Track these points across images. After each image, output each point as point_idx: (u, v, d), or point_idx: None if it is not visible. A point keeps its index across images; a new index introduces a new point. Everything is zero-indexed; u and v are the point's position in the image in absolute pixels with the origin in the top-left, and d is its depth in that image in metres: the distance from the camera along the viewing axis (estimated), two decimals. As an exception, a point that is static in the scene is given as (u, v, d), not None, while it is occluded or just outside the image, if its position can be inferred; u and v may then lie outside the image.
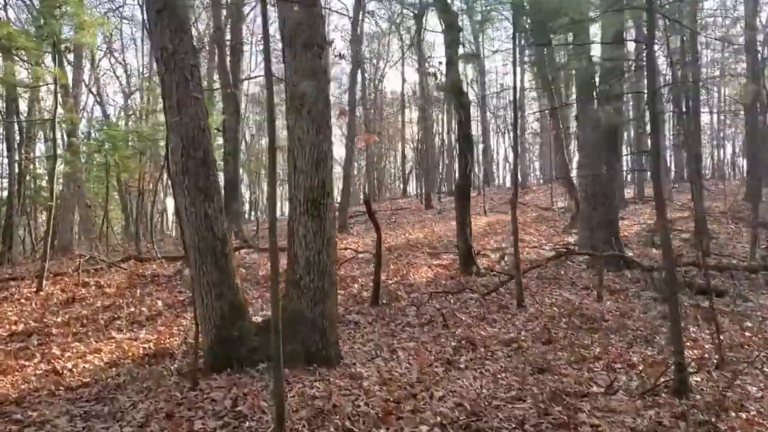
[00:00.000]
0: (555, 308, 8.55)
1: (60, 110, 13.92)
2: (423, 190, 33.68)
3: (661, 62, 24.55)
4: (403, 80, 38.70)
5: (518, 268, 8.49)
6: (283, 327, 6.27)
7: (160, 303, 9.86)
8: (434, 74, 17.14)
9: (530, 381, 5.73)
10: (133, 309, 9.47)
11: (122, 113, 28.81)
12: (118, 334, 8.35)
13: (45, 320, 9.36)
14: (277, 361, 4.33)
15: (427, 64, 32.19)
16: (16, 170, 22.30)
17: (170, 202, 35.18)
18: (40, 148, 29.21)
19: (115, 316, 9.23)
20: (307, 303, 6.29)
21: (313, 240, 6.34)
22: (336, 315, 6.64)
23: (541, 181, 42.49)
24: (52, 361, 7.29)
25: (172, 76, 6.37)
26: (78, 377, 6.55)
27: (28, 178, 26.52)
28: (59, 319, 9.32)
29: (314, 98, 6.43)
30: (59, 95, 12.48)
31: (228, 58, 19.82)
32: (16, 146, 23.34)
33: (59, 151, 18.68)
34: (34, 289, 12.05)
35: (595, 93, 10.98)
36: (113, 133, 14.80)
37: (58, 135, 32.80)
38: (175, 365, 6.67)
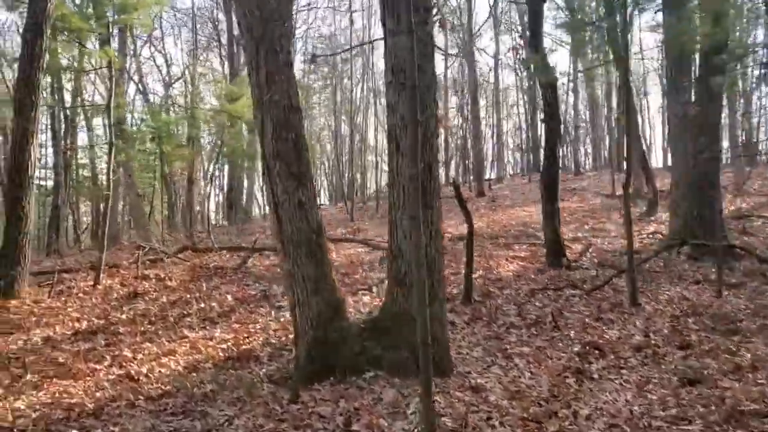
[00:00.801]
0: (673, 306, 7.66)
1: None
2: (472, 177, 32.69)
3: None
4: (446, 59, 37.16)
5: (631, 260, 7.60)
6: (390, 330, 5.54)
7: (229, 297, 9.22)
8: (515, 49, 16.21)
9: (684, 395, 4.90)
10: (202, 305, 8.84)
11: (164, 102, 28.37)
12: (191, 332, 7.71)
13: (109, 317, 8.78)
14: (426, 378, 3.57)
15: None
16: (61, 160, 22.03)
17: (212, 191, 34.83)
18: (81, 138, 29.07)
19: (184, 312, 8.61)
20: (414, 303, 5.52)
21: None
22: (446, 317, 5.88)
23: (592, 166, 41.15)
24: (125, 364, 6.68)
25: (259, 46, 5.64)
26: (156, 384, 5.91)
27: (72, 167, 26.44)
28: (124, 316, 8.73)
29: (420, 71, 5.64)
30: (111, 80, 11.88)
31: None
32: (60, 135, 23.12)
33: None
34: (92, 283, 11.55)
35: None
36: (167, 119, 14.24)
37: (105, 122, 32.68)
38: (264, 370, 5.98)
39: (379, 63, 43.43)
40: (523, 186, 32.16)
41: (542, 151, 10.24)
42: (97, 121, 38.24)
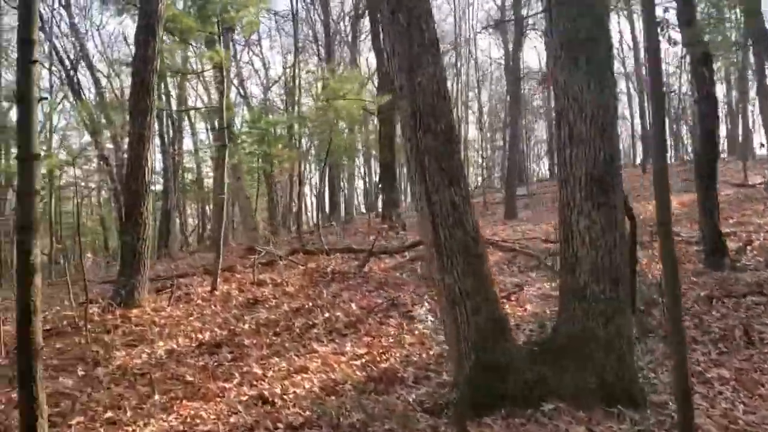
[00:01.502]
0: None
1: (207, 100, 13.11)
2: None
3: None
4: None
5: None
6: (568, 352, 4.67)
7: (354, 306, 8.59)
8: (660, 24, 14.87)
9: None
10: (327, 314, 8.24)
11: (265, 104, 28.40)
12: (319, 345, 7.11)
13: (231, 327, 8.32)
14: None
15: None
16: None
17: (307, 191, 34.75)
18: (185, 143, 29.60)
19: (309, 322, 8.03)
20: (597, 319, 4.63)
21: (601, 235, 4.66)
22: (633, 335, 4.96)
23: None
24: (255, 383, 6.14)
25: (399, 23, 4.91)
26: (294, 409, 5.31)
27: (178, 171, 26.94)
28: (246, 326, 8.25)
29: (594, 42, 4.74)
30: (217, 83, 11.53)
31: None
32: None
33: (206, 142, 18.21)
34: (209, 289, 11.24)
35: None
36: (274, 120, 13.86)
37: (208, 126, 33.16)
38: (413, 396, 5.25)
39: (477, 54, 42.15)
40: (636, 178, 30.21)
41: (687, 136, 9.01)
42: (200, 126, 39.09)
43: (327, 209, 26.98)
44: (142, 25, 10.28)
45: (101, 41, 35.12)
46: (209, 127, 37.38)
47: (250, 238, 17.56)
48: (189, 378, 6.42)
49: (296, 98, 18.11)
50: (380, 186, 20.23)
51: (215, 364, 6.90)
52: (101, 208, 29.74)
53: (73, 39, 26.83)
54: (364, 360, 6.48)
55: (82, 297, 11.23)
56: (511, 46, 24.42)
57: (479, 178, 40.66)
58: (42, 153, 4.51)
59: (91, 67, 26.73)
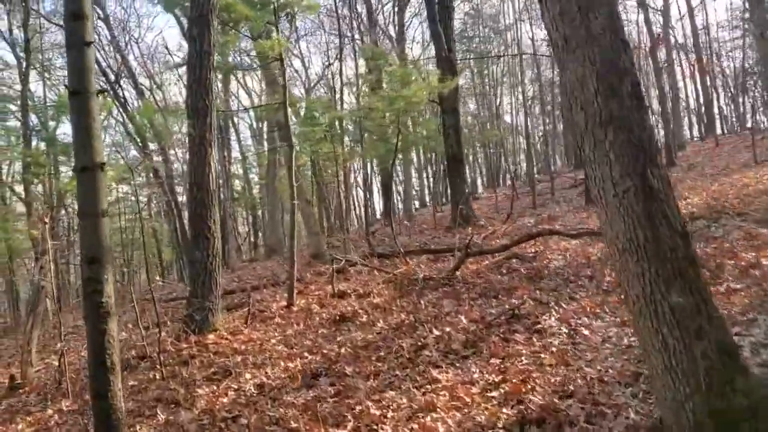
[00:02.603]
0: None
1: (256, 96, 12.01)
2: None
3: None
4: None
5: None
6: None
7: (463, 319, 7.36)
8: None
9: None
10: (436, 331, 7.02)
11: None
12: (440, 373, 5.90)
13: (323, 351, 7.20)
14: None
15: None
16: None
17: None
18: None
19: (416, 342, 6.83)
20: None
21: None
22: None
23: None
24: (375, 427, 4.97)
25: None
26: (438, 466, 4.11)
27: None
28: (342, 350, 7.11)
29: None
30: (283, 74, 10.42)
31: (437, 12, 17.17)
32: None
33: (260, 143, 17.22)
34: (284, 304, 10.19)
35: None
36: (340, 115, 12.73)
37: (257, 127, 32.22)
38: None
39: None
40: (712, 151, 28.30)
41: None
42: (243, 128, 38.32)
43: (381, 208, 25.81)
44: (194, 17, 9.26)
45: (140, 54, 34.50)
46: (256, 129, 36.96)
47: (314, 244, 16.47)
48: (293, 423, 5.29)
49: (358, 89, 16.93)
50: (447, 179, 18.96)
51: (317, 401, 5.76)
52: (153, 221, 29.15)
53: (114, 52, 26.36)
54: (502, 390, 5.25)
55: (146, 321, 10.32)
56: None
57: (532, 165, 39.14)
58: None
59: (134, 78, 26.16)
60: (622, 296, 3.77)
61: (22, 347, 8.71)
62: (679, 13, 35.63)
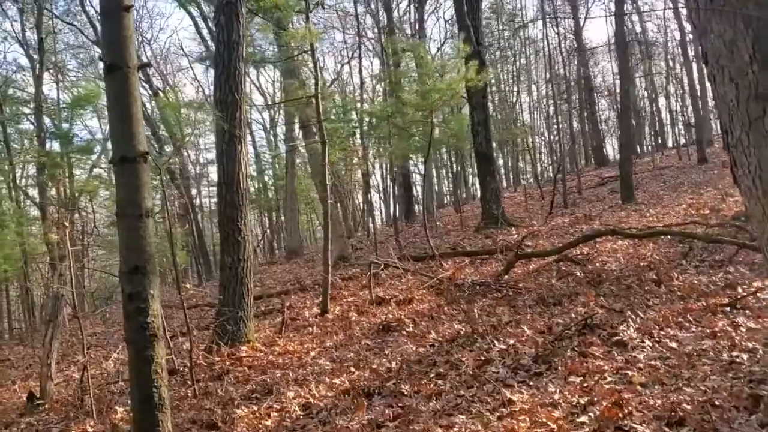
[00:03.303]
0: None
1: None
2: (686, 139, 28.56)
3: None
4: None
5: None
6: None
7: (526, 329, 6.66)
8: None
9: None
10: (499, 344, 6.33)
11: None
12: (513, 393, 5.19)
13: (371, 366, 6.52)
14: None
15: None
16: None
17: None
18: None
19: (480, 356, 6.13)
20: None
21: None
22: None
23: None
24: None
25: None
26: None
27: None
28: (393, 364, 6.42)
29: None
30: (315, 65, 9.76)
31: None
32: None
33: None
34: (318, 311, 9.54)
35: None
36: (370, 111, 12.07)
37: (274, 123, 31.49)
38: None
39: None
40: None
41: None
42: (255, 127, 37.72)
43: (402, 207, 25.11)
44: (221, 3, 8.61)
45: (153, 54, 33.92)
46: (270, 129, 36.37)
47: (339, 246, 15.82)
48: (355, 453, 4.62)
49: (385, 83, 16.23)
50: (477, 178, 18.28)
51: (375, 426, 5.08)
52: (168, 225, 28.59)
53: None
54: (592, 415, 4.55)
55: (170, 329, 9.73)
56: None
57: (546, 165, 38.29)
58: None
59: (148, 79, 25.65)
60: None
61: (41, 359, 8.11)
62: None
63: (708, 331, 5.79)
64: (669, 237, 10.16)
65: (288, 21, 9.51)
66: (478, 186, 38.23)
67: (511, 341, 6.34)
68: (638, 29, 34.37)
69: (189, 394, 6.70)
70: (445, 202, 36.79)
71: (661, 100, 39.09)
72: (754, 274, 7.68)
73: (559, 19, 32.53)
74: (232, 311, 7.94)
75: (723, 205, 13.69)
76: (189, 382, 6.89)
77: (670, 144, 38.69)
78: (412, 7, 32.08)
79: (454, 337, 6.80)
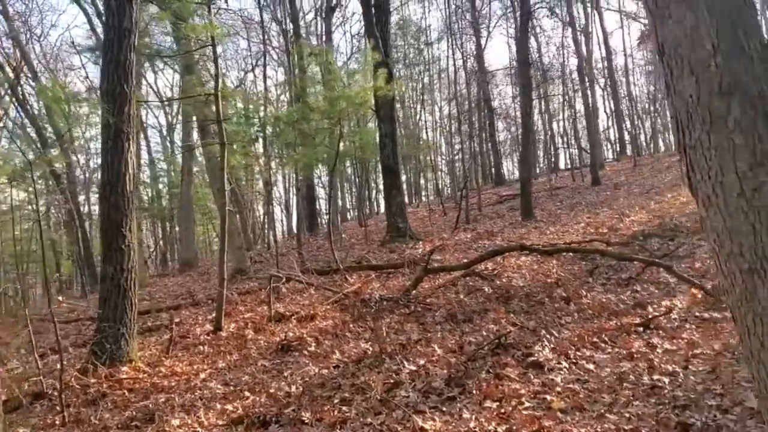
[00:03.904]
0: None
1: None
2: (579, 161, 29.43)
3: None
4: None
5: None
6: None
7: (437, 348, 6.22)
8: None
9: None
10: (410, 365, 5.86)
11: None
12: (425, 420, 4.72)
13: (269, 390, 5.89)
14: None
15: None
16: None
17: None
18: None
19: (389, 379, 5.63)
20: None
21: None
22: None
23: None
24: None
25: None
26: None
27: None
28: (293, 388, 5.82)
29: None
30: (216, 62, 9.05)
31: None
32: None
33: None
34: (211, 329, 8.78)
35: None
36: (277, 114, 11.40)
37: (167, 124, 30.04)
38: None
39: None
40: (631, 171, 28.62)
41: None
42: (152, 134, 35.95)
43: (305, 219, 24.46)
44: (112, -15, 7.78)
45: (43, 52, 31.48)
46: (169, 132, 34.74)
47: (237, 258, 15.00)
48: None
49: (291, 88, 15.56)
50: (383, 191, 17.92)
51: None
52: (51, 231, 26.57)
53: (14, 47, 23.97)
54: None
55: (42, 345, 8.73)
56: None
57: (447, 182, 38.80)
58: None
59: (36, 76, 23.83)
60: (740, 336, 2.72)
61: None
62: (597, 36, 36.15)
63: (624, 352, 5.56)
64: (572, 254, 10.10)
65: (188, 13, 8.74)
66: (382, 200, 38.28)
67: (422, 361, 5.89)
68: (535, 55, 35.40)
69: (57, 422, 5.83)
70: (349, 216, 36.34)
71: (554, 124, 40.44)
72: (662, 293, 7.63)
73: (461, 42, 33.04)
74: (112, 327, 7.08)
75: (621, 225, 13.93)
76: (58, 408, 6.01)
77: (562, 165, 40.04)
78: (318, 19, 31.71)
79: (361, 358, 6.27)
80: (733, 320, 2.76)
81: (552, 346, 5.84)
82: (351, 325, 7.56)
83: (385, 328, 7.06)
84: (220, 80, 8.93)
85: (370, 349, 6.44)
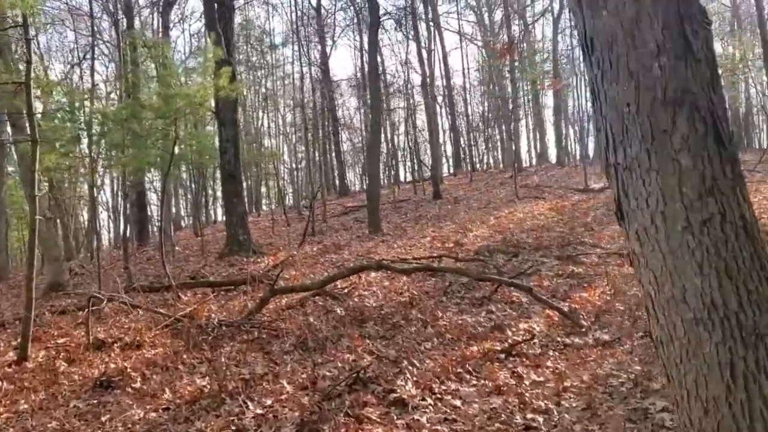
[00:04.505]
0: None
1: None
2: (419, 175, 29.82)
3: None
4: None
5: None
6: None
7: (286, 385, 5.46)
8: None
9: None
10: (255, 407, 5.05)
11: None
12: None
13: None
14: None
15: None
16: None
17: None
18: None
19: (230, 425, 4.78)
20: None
21: None
22: None
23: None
24: None
25: None
26: None
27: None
28: (118, 426, 4.81)
29: None
30: (28, 43, 7.70)
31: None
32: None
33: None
34: (14, 359, 7.41)
35: None
36: (103, 110, 10.02)
37: None
38: None
39: None
40: (467, 186, 29.49)
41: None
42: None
43: (133, 228, 22.63)
44: None
45: None
46: None
47: (53, 271, 13.24)
48: None
49: (127, 80, 13.97)
50: (222, 199, 16.79)
51: None
52: None
53: None
54: None
55: None
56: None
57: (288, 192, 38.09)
58: None
59: None
60: (675, 399, 2.26)
61: None
62: (437, 54, 37.03)
63: (491, 384, 5.13)
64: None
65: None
66: (219, 209, 36.60)
67: (269, 401, 5.11)
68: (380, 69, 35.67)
69: None
70: (183, 224, 34.32)
71: (396, 138, 41.05)
72: (517, 313, 7.41)
73: (307, 49, 32.46)
74: None
75: (465, 240, 13.95)
76: None
77: (402, 178, 40.64)
78: (155, 14, 29.69)
79: (196, 397, 5.35)
80: (666, 378, 2.30)
81: (415, 378, 5.29)
82: (185, 356, 6.59)
83: (224, 359, 6.17)
84: (33, 67, 7.57)
85: (208, 386, 5.54)
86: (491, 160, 45.29)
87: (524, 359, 5.69)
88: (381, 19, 19.36)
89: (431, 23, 34.73)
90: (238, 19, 32.41)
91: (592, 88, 2.32)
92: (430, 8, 33.83)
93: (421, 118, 37.95)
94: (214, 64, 10.66)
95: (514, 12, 35.37)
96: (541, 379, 5.16)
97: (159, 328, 7.58)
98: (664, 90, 2.10)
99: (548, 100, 38.71)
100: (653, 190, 2.14)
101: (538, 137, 39.09)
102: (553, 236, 13.08)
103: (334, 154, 36.94)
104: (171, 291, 10.11)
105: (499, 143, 44.15)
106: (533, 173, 30.37)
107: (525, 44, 36.14)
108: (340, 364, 5.77)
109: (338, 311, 7.71)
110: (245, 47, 36.57)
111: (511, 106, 35.28)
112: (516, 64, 31.83)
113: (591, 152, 32.10)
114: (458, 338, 6.45)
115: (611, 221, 14.47)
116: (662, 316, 2.21)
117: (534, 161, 38.58)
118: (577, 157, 35.98)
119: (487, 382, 5.19)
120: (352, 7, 31.62)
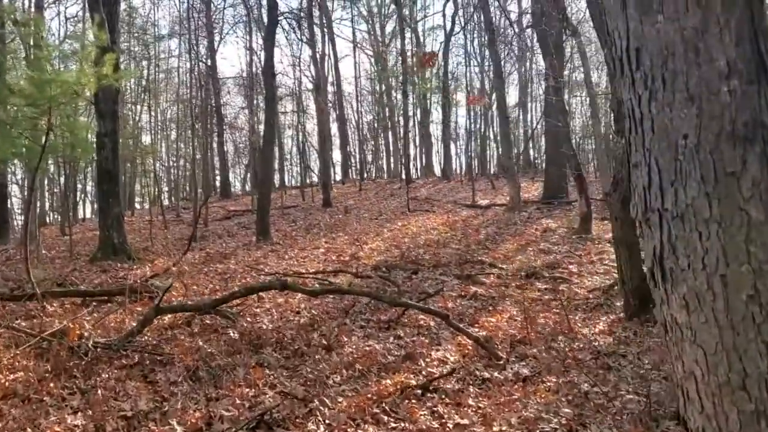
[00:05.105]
0: None
1: None
2: (307, 180, 29.15)
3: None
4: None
5: None
6: None
7: (176, 425, 4.68)
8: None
9: None
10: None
11: None
12: None
13: None
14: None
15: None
16: None
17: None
18: None
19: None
20: None
21: None
22: None
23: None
24: None
25: None
26: None
27: None
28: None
29: None
30: None
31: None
32: None
33: None
34: None
35: None
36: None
37: None
38: None
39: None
40: (357, 194, 29.18)
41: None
42: None
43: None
44: None
45: None
46: None
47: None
48: None
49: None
50: (97, 198, 15.37)
51: None
52: None
53: None
54: None
55: None
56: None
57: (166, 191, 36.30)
58: None
59: None
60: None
61: None
62: (329, 60, 36.49)
63: (412, 428, 4.61)
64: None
65: None
66: (89, 205, 34.12)
67: (156, 449, 4.32)
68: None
69: None
70: (48, 220, 31.63)
71: (284, 141, 40.18)
72: (427, 340, 6.96)
73: (196, 42, 31.00)
74: None
75: (361, 253, 13.49)
76: None
77: (287, 182, 39.84)
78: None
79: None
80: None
81: (328, 421, 4.67)
82: (52, 384, 5.60)
83: (101, 391, 5.27)
84: None
85: (81, 424, 4.65)
86: (376, 170, 45.33)
87: (443, 396, 5.22)
88: (279, 18, 18.58)
89: (325, 28, 34.22)
90: (122, 6, 30.46)
91: (630, 112, 1.85)
92: (324, 15, 33.34)
93: (311, 123, 37.39)
94: (97, 49, 9.57)
95: (407, 25, 35.44)
96: (466, 421, 4.70)
97: (21, 349, 6.48)
98: (732, 121, 1.66)
99: (436, 114, 39.25)
100: (712, 247, 1.68)
101: (424, 150, 39.43)
102: (449, 253, 12.87)
103: (216, 154, 35.52)
104: (35, 300, 8.88)
105: (384, 153, 44.26)
106: (422, 185, 30.47)
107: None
108: (238, 401, 5.04)
109: (231, 334, 6.94)
110: (127, 36, 34.42)
111: (401, 119, 35.36)
112: (408, 76, 31.89)
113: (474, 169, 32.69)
114: (369, 369, 5.90)
115: (504, 240, 14.51)
116: (709, 404, 1.76)
117: (419, 173, 38.89)
118: (462, 171, 36.63)
119: (407, 424, 4.66)
120: (242, 4, 30.55)
